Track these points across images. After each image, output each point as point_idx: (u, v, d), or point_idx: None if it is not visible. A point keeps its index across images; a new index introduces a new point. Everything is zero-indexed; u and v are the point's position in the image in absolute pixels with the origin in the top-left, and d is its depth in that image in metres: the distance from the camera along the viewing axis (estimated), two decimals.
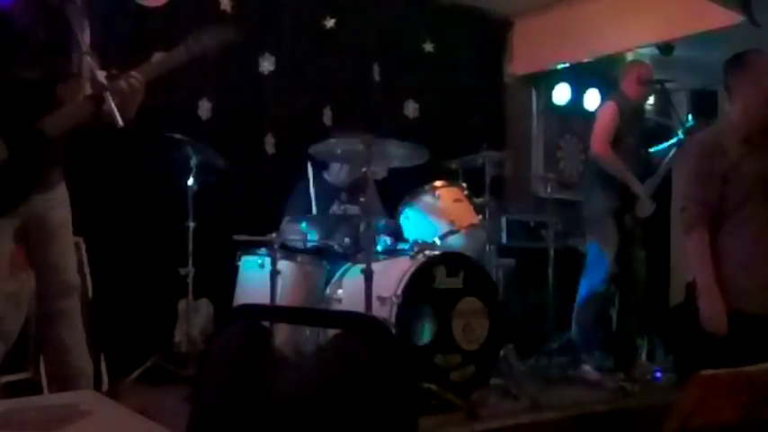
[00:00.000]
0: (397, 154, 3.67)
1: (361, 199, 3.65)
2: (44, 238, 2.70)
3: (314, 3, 5.08)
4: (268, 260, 3.74)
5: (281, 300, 3.73)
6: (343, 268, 3.87)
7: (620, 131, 4.43)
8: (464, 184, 4.14)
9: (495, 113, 5.91)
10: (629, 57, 6.06)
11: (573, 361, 4.52)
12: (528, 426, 3.41)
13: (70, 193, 2.79)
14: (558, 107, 6.26)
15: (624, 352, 4.49)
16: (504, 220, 5.26)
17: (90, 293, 3.75)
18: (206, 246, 4.07)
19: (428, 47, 5.57)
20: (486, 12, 5.85)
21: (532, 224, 5.35)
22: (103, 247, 3.95)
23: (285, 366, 1.33)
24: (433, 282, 3.56)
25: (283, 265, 3.77)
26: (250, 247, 3.98)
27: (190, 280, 3.96)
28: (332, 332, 1.20)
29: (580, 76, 6.12)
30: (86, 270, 3.78)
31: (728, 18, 4.43)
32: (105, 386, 3.65)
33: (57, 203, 2.72)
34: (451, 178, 4.21)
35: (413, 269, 3.51)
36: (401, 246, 3.95)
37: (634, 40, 5.34)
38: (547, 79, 6.15)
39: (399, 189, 4.16)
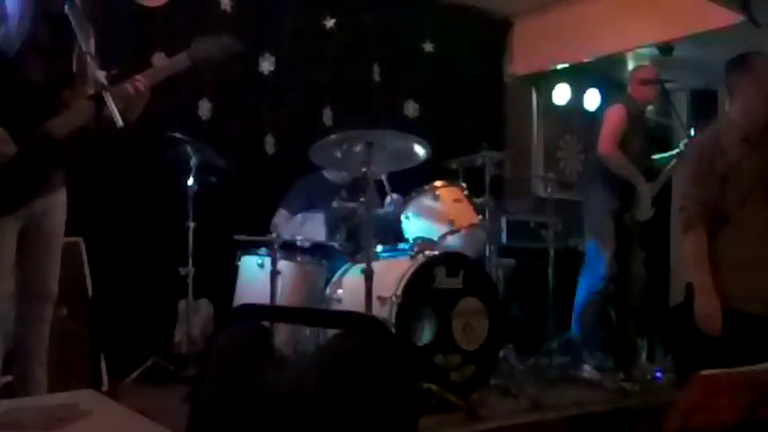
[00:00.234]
0: (398, 148, 3.65)
1: (362, 198, 3.65)
2: (38, 241, 2.72)
3: (314, 3, 5.08)
4: (268, 260, 3.75)
5: (281, 300, 3.73)
6: (343, 268, 3.87)
7: (626, 134, 4.45)
8: (464, 184, 4.14)
9: (495, 113, 5.91)
10: (630, 57, 6.07)
11: (573, 361, 4.52)
12: (528, 426, 3.41)
13: (70, 192, 2.80)
14: (558, 107, 6.27)
15: (624, 352, 4.48)
16: (504, 220, 5.26)
17: (90, 293, 3.76)
18: (206, 246, 4.07)
19: (428, 47, 5.58)
20: (486, 12, 5.85)
21: (532, 224, 5.35)
22: (103, 247, 3.95)
23: (285, 366, 1.32)
24: (432, 282, 3.56)
25: (283, 265, 3.78)
26: (250, 247, 3.98)
27: (190, 280, 3.96)
28: (332, 332, 1.20)
29: (580, 76, 6.12)
30: (86, 270, 3.78)
31: (728, 18, 4.43)
32: (105, 386, 3.66)
33: (56, 208, 2.75)
34: (451, 178, 4.21)
35: (413, 269, 3.51)
36: (401, 246, 3.95)
37: (634, 40, 5.34)
38: (547, 79, 6.15)
39: (399, 189, 4.16)
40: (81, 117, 2.61)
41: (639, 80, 4.53)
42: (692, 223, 2.78)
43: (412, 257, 3.64)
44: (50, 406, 1.46)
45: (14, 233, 2.64)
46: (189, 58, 2.76)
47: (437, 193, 3.98)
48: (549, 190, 4.79)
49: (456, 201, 4.00)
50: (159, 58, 4.46)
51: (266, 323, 1.71)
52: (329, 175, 4.46)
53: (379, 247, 3.90)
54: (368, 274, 3.34)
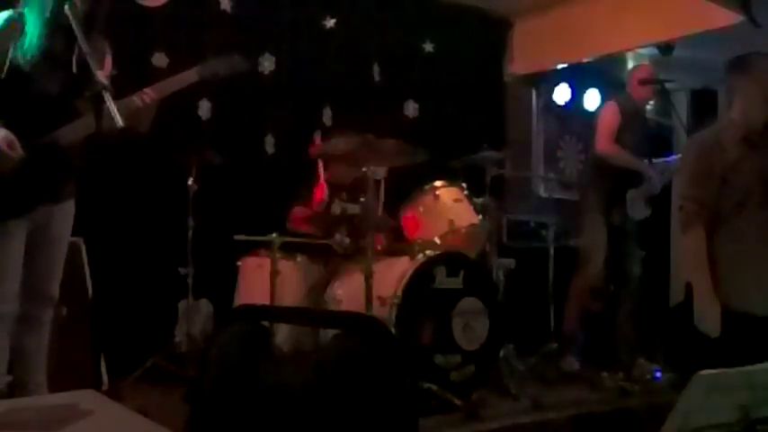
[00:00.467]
0: (398, 153, 3.66)
1: (362, 199, 3.65)
2: (44, 245, 2.80)
3: (314, 3, 5.08)
4: (268, 260, 3.75)
5: (281, 300, 3.73)
6: (343, 268, 3.87)
7: (620, 130, 4.49)
8: (464, 184, 4.13)
9: (495, 113, 5.91)
10: (630, 57, 6.07)
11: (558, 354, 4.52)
12: (528, 426, 3.41)
13: None
14: (558, 107, 6.26)
15: (624, 352, 4.48)
16: (504, 220, 5.26)
17: (90, 293, 3.75)
18: (206, 246, 4.07)
19: (428, 47, 5.57)
20: (486, 12, 5.85)
21: (532, 224, 5.35)
22: (103, 246, 3.95)
23: (285, 366, 1.32)
24: (433, 282, 3.56)
25: (283, 265, 3.78)
26: (250, 247, 3.98)
27: (190, 280, 3.96)
28: (332, 332, 1.20)
29: (580, 76, 6.12)
30: (86, 270, 3.78)
31: (728, 18, 4.43)
32: (105, 386, 3.65)
33: (64, 216, 2.85)
34: (451, 178, 4.21)
35: (413, 269, 3.51)
36: (401, 246, 3.95)
37: (634, 40, 5.34)
38: (547, 79, 6.15)
39: (399, 189, 4.16)
40: (90, 126, 2.66)
41: (637, 80, 4.57)
42: (690, 223, 2.78)
43: (412, 257, 3.64)
44: (50, 406, 1.46)
45: (23, 237, 2.71)
46: (198, 74, 2.88)
47: (437, 193, 3.98)
48: (549, 190, 4.79)
49: (456, 201, 4.00)
50: (159, 58, 4.47)
51: (266, 323, 1.71)
52: (330, 175, 4.45)
53: (379, 247, 3.90)
54: (368, 274, 3.34)
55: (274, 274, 3.69)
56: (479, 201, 4.10)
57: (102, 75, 2.59)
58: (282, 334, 3.69)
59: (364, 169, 3.50)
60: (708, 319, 2.68)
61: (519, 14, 5.97)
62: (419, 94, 5.49)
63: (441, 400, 3.34)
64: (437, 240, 3.87)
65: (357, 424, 1.08)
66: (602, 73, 6.03)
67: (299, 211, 4.27)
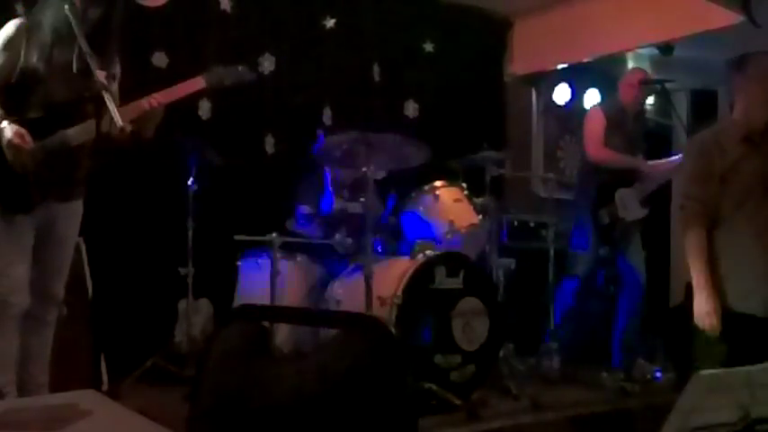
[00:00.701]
0: (398, 152, 3.66)
1: (362, 199, 3.65)
2: (50, 244, 2.86)
3: (314, 3, 5.08)
4: (268, 260, 3.74)
5: (281, 300, 3.74)
6: (343, 268, 3.87)
7: (607, 134, 4.54)
8: (464, 184, 4.14)
9: (495, 113, 5.91)
10: (630, 57, 6.07)
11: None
12: (528, 426, 3.41)
13: None
14: (558, 107, 6.26)
15: (624, 352, 4.48)
16: (504, 220, 5.26)
17: (90, 293, 3.75)
18: (206, 246, 4.06)
19: (428, 47, 5.57)
20: (486, 12, 5.84)
21: (532, 224, 5.34)
22: (103, 246, 3.95)
23: (285, 366, 1.32)
24: (433, 282, 3.56)
25: (283, 265, 3.78)
26: (250, 247, 3.98)
27: (190, 280, 3.95)
28: (332, 332, 1.20)
29: (580, 76, 6.12)
30: (86, 270, 3.78)
31: (728, 18, 4.43)
32: (105, 386, 3.66)
33: (71, 216, 2.91)
34: (451, 178, 4.21)
35: (413, 269, 3.51)
36: (401, 246, 3.95)
37: (634, 40, 5.33)
38: (547, 79, 6.15)
39: (399, 189, 4.16)
40: (92, 131, 2.75)
41: (626, 83, 4.63)
42: (691, 222, 2.78)
43: (412, 257, 3.64)
44: (50, 406, 1.46)
45: (31, 233, 2.77)
46: (205, 82, 2.96)
47: (437, 193, 3.98)
48: (549, 190, 4.79)
49: (456, 201, 4.00)
50: (159, 58, 4.47)
51: (266, 323, 1.71)
52: (329, 175, 4.45)
53: (379, 247, 3.90)
54: (368, 274, 3.34)
55: (274, 274, 3.69)
56: (479, 201, 4.10)
57: (102, 75, 2.61)
58: (282, 334, 3.69)
59: (364, 169, 3.50)
60: (708, 316, 2.68)
61: (519, 14, 5.97)
62: (419, 94, 5.49)
63: (441, 400, 3.34)
64: (437, 240, 3.87)
65: (357, 424, 1.08)
66: (603, 73, 6.03)
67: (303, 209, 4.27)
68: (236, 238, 3.77)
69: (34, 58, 2.72)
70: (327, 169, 4.41)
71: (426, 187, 4.01)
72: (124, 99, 2.99)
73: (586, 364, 4.65)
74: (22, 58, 2.72)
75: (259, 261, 3.91)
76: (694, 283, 2.75)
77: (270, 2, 4.90)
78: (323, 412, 1.11)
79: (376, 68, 5.29)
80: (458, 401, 3.36)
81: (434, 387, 3.35)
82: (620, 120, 4.60)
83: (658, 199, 4.57)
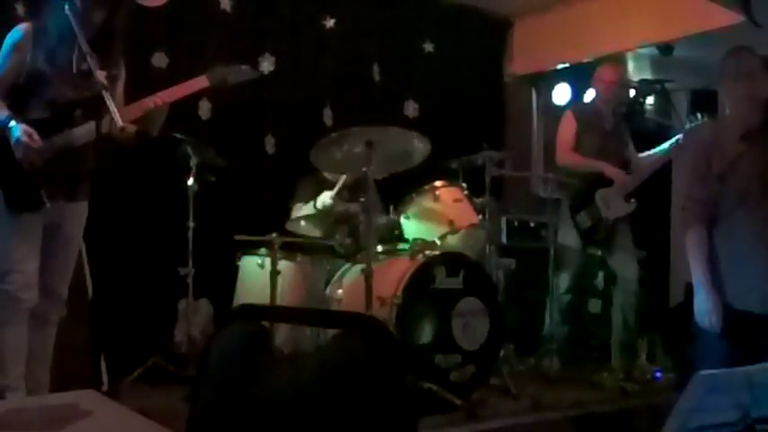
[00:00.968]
0: (398, 148, 3.65)
1: (362, 199, 3.65)
2: (56, 243, 2.91)
3: (314, 3, 5.08)
4: (268, 260, 3.75)
5: (281, 300, 3.73)
6: (343, 268, 3.87)
7: (579, 136, 4.54)
8: (464, 184, 4.14)
9: (495, 113, 5.91)
10: (630, 57, 6.06)
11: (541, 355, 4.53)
12: (528, 426, 3.41)
13: None
14: (558, 107, 6.26)
15: (624, 352, 4.48)
16: (504, 220, 5.26)
17: (90, 293, 3.75)
18: (206, 246, 4.06)
19: (428, 47, 5.57)
20: (486, 12, 5.85)
21: (532, 224, 5.34)
22: (103, 246, 3.95)
23: (285, 366, 1.32)
24: (433, 282, 3.56)
25: (283, 265, 3.78)
26: (250, 247, 3.98)
27: (190, 280, 3.95)
28: (332, 332, 1.20)
29: (580, 76, 6.10)
30: (86, 270, 3.78)
31: (728, 18, 4.43)
32: (105, 386, 3.65)
33: (77, 216, 2.98)
34: (451, 178, 4.21)
35: (413, 269, 3.51)
36: (401, 246, 3.95)
37: (634, 40, 5.33)
38: (547, 79, 6.15)
39: (399, 189, 4.16)
40: (101, 128, 2.79)
41: (598, 80, 4.64)
42: (691, 222, 2.80)
43: (412, 257, 3.64)
44: (50, 406, 1.46)
45: (39, 232, 2.83)
46: (208, 81, 3.01)
47: (437, 193, 3.98)
48: (548, 190, 4.79)
49: (456, 201, 4.00)
50: (159, 58, 4.47)
51: (266, 323, 1.71)
52: (329, 175, 4.45)
53: (379, 247, 3.90)
54: (368, 274, 3.34)
55: (274, 274, 3.69)
56: (479, 201, 4.10)
57: (102, 75, 2.62)
58: (282, 334, 3.69)
59: (364, 169, 3.50)
60: (708, 314, 2.69)
61: (519, 14, 5.97)
62: (419, 94, 5.49)
63: (441, 400, 3.34)
64: (437, 240, 3.87)
65: (357, 424, 1.08)
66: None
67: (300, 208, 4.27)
68: (236, 238, 3.77)
69: (40, 60, 2.77)
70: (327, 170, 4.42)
71: (426, 187, 4.01)
72: (125, 100, 3.01)
73: (586, 364, 4.65)
74: (28, 61, 2.78)
75: (259, 261, 3.91)
76: (694, 281, 2.75)
77: (270, 2, 4.90)
78: (323, 412, 1.10)
79: (376, 68, 5.29)
80: (458, 401, 3.36)
81: (434, 387, 3.35)
82: (594, 119, 4.60)
83: (658, 198, 4.56)
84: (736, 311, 2.69)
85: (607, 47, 5.47)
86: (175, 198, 4.02)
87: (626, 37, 5.30)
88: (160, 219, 4.25)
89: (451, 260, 3.67)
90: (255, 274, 3.91)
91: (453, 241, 3.92)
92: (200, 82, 3.00)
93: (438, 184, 4.02)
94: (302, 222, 4.10)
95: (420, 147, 3.65)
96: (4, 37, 2.95)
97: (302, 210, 4.22)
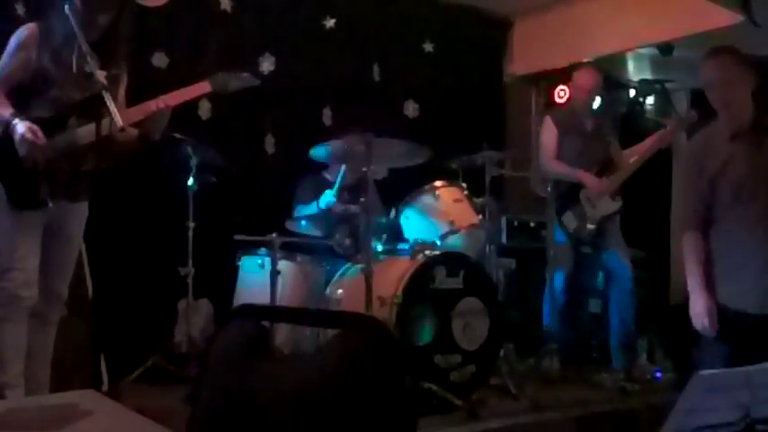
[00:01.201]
0: (398, 153, 3.67)
1: (362, 199, 3.65)
2: (57, 242, 2.92)
3: (314, 3, 5.08)
4: (268, 260, 3.75)
5: (281, 300, 3.73)
6: (343, 268, 3.87)
7: (559, 140, 4.59)
8: (464, 184, 4.14)
9: (495, 113, 5.91)
10: (630, 57, 6.06)
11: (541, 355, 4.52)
12: (528, 426, 3.41)
13: None
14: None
15: (624, 352, 4.48)
16: (504, 220, 5.26)
17: (90, 293, 3.75)
18: (206, 246, 4.07)
19: (428, 47, 5.57)
20: (486, 12, 5.85)
21: (532, 224, 5.34)
22: (103, 247, 3.94)
23: (285, 367, 1.32)
24: (433, 282, 3.56)
25: (283, 265, 3.78)
26: (250, 247, 3.98)
27: (190, 280, 3.96)
28: (332, 332, 1.20)
29: None
30: (86, 270, 3.78)
31: (728, 18, 4.43)
32: (105, 386, 3.65)
33: (78, 217, 2.99)
34: (451, 178, 4.21)
35: (413, 269, 3.51)
36: (401, 246, 3.95)
37: (634, 40, 5.34)
38: (547, 79, 6.14)
39: (399, 189, 4.16)
40: (102, 129, 2.78)
41: (575, 86, 4.70)
42: (686, 226, 2.84)
43: (412, 257, 3.64)
44: (50, 406, 1.46)
45: (40, 231, 2.84)
46: (211, 86, 3.03)
47: (437, 193, 3.98)
48: (549, 190, 4.79)
49: (456, 201, 4.00)
50: (159, 59, 4.47)
51: (266, 323, 1.71)
52: (329, 176, 4.45)
53: (379, 247, 3.90)
54: (368, 274, 3.33)
55: (274, 274, 3.69)
56: (479, 201, 4.10)
57: (102, 75, 2.63)
58: (282, 334, 3.69)
59: (364, 169, 3.50)
60: (702, 317, 2.70)
61: (519, 14, 5.97)
62: (419, 94, 5.49)
63: (441, 400, 3.34)
64: (437, 240, 3.87)
65: (357, 424, 1.08)
66: (602, 73, 6.02)
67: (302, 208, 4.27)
68: (236, 238, 3.77)
69: (44, 60, 2.80)
70: (327, 168, 4.42)
71: (426, 187, 4.01)
72: (126, 102, 3.02)
73: (586, 364, 4.65)
74: (33, 60, 2.81)
75: (259, 261, 3.91)
76: (688, 284, 2.77)
77: (270, 2, 4.90)
78: (323, 412, 1.11)
79: (376, 68, 5.29)
80: (458, 401, 3.36)
81: (434, 387, 3.35)
82: (573, 123, 4.63)
83: (658, 198, 4.56)
84: (732, 312, 2.69)
85: (607, 47, 5.48)
86: (175, 198, 4.02)
87: (626, 37, 5.30)
88: (160, 219, 4.25)
89: (451, 260, 3.67)
90: (255, 274, 3.91)
91: (453, 241, 3.92)
92: (203, 87, 3.03)
93: (438, 184, 4.02)
94: (302, 222, 4.11)
95: (418, 153, 3.65)
96: (3, 36, 2.96)
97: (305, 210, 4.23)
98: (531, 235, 5.29)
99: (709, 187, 2.76)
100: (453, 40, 5.65)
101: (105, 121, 2.72)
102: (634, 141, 4.74)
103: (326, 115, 5.07)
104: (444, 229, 3.90)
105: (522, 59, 6.01)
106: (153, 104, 2.88)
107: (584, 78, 4.64)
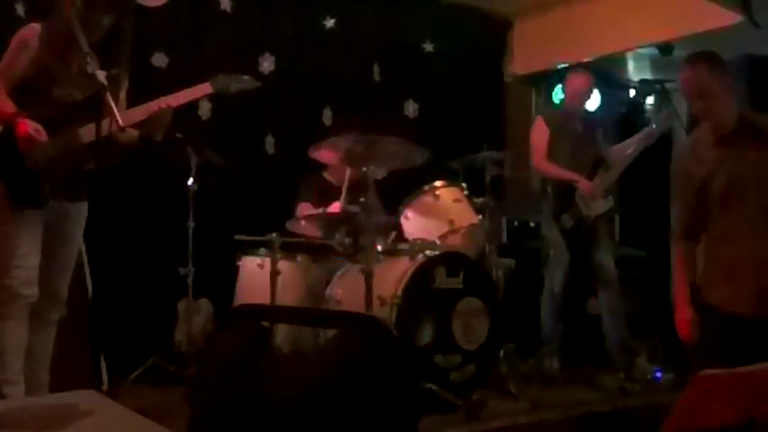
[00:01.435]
0: (398, 153, 3.66)
1: (362, 199, 3.65)
2: (57, 242, 2.93)
3: (314, 3, 5.08)
4: (268, 260, 3.75)
5: (281, 300, 3.73)
6: (343, 268, 3.87)
7: (552, 141, 4.60)
8: (464, 184, 4.14)
9: (495, 113, 5.91)
10: (630, 57, 6.06)
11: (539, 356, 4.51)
12: (528, 426, 3.41)
13: None
14: (559, 107, 6.25)
15: (617, 350, 4.47)
16: (504, 220, 5.26)
17: (90, 293, 3.75)
18: (206, 246, 4.07)
19: (428, 47, 5.57)
20: (486, 12, 5.85)
21: (532, 224, 5.34)
22: (103, 246, 3.95)
23: (285, 366, 1.32)
24: (433, 282, 3.56)
25: (283, 265, 3.78)
26: (250, 247, 3.98)
27: (190, 280, 3.96)
28: (332, 332, 1.20)
29: None
30: (86, 270, 3.78)
31: (728, 18, 4.43)
32: (105, 386, 3.66)
33: (78, 217, 3.00)
34: (451, 178, 4.21)
35: (413, 269, 3.51)
36: (401, 246, 3.95)
37: (634, 40, 5.34)
38: (547, 79, 6.14)
39: (399, 189, 4.16)
40: (103, 129, 2.78)
41: (568, 89, 4.69)
42: (675, 236, 2.90)
43: (412, 257, 3.64)
44: (50, 406, 1.46)
45: (40, 229, 2.84)
46: (212, 88, 3.06)
47: (437, 193, 3.98)
48: (549, 190, 4.79)
49: (456, 201, 4.00)
50: (159, 59, 4.47)
51: (266, 323, 1.71)
52: (329, 176, 4.45)
53: (379, 247, 3.90)
54: (368, 274, 3.33)
55: (274, 274, 3.69)
56: (479, 201, 4.10)
57: (103, 75, 2.64)
58: (282, 334, 3.69)
59: (364, 169, 3.50)
60: (681, 325, 2.81)
61: (519, 14, 5.97)
62: (419, 94, 5.49)
63: (441, 400, 3.34)
64: (437, 240, 3.87)
65: (357, 424, 1.08)
66: (602, 73, 6.02)
67: (304, 207, 4.27)
68: (236, 238, 3.77)
69: (47, 60, 2.82)
70: (327, 168, 4.42)
71: (426, 187, 4.01)
72: (127, 103, 3.03)
73: (586, 364, 4.64)
74: (36, 59, 2.82)
75: (259, 261, 3.91)
76: (673, 293, 2.84)
77: (270, 2, 4.90)
78: (323, 412, 1.11)
79: (376, 68, 5.29)
80: (458, 401, 3.36)
81: (434, 387, 3.35)
82: (565, 124, 4.64)
83: (658, 198, 4.55)
84: (727, 315, 2.70)
85: (607, 47, 5.48)
86: (175, 198, 4.03)
87: (626, 37, 5.30)
88: (160, 219, 4.25)
89: (451, 260, 3.67)
90: (255, 274, 3.91)
91: (453, 241, 3.92)
92: (204, 88, 3.06)
93: (438, 184, 4.02)
94: (302, 222, 4.11)
95: (419, 152, 3.65)
96: (3, 36, 2.96)
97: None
98: (531, 235, 5.29)
99: (698, 193, 2.78)
100: (453, 40, 5.65)
101: (106, 122, 2.72)
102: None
103: (326, 115, 5.07)
104: (444, 229, 3.90)
105: (522, 59, 6.01)
106: (155, 105, 2.90)
107: (576, 81, 4.65)
